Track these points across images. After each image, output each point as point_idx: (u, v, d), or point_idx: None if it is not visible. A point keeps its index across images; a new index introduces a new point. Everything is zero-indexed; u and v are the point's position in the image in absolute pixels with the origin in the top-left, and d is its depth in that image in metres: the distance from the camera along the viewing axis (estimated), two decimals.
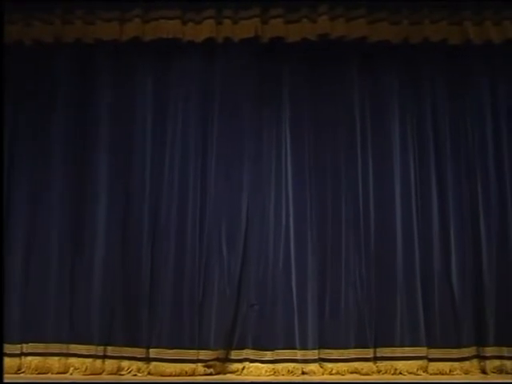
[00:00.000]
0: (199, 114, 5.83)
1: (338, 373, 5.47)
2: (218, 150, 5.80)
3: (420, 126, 5.91)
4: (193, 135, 5.81)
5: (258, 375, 5.43)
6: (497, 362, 5.53)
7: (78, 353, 5.52)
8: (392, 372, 5.49)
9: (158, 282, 5.60)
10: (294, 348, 5.52)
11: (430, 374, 5.50)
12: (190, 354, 5.49)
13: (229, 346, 5.55)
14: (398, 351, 5.55)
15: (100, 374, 5.47)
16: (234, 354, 5.56)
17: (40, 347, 5.55)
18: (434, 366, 5.55)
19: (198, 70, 5.90)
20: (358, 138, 5.86)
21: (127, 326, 5.56)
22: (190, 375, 5.43)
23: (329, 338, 5.56)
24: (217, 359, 5.51)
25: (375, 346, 5.56)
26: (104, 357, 5.53)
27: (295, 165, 5.80)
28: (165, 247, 5.65)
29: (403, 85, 5.94)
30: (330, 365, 5.52)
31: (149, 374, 5.48)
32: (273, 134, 5.83)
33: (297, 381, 5.37)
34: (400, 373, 5.49)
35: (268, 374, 5.46)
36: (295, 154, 5.81)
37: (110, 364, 5.52)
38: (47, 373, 5.46)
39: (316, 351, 5.52)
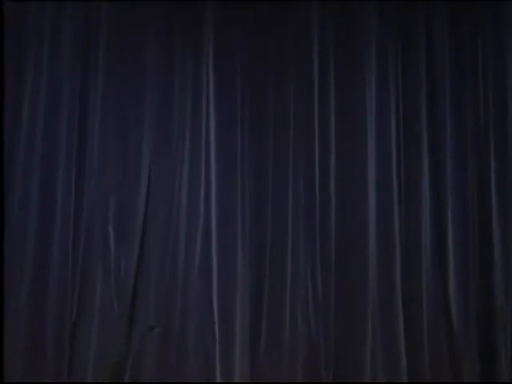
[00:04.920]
0: (76, 46, 4.60)
1: None
2: (105, 95, 4.62)
3: (408, 66, 4.91)
4: (66, 74, 4.55)
5: None
6: None
7: None
8: None
9: (10, 292, 4.31)
10: None
11: None
12: None
13: None
14: None
15: None
16: None
17: None
18: None
19: None
20: (315, 82, 4.85)
21: None
22: None
23: (265, 377, 4.56)
24: None
25: None
26: None
27: (221, 120, 4.79)
28: (19, 240, 4.38)
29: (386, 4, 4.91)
30: None
31: None
32: (188, 74, 4.81)
33: None
34: None
35: None
36: (221, 103, 4.81)
37: None
38: None
39: None
